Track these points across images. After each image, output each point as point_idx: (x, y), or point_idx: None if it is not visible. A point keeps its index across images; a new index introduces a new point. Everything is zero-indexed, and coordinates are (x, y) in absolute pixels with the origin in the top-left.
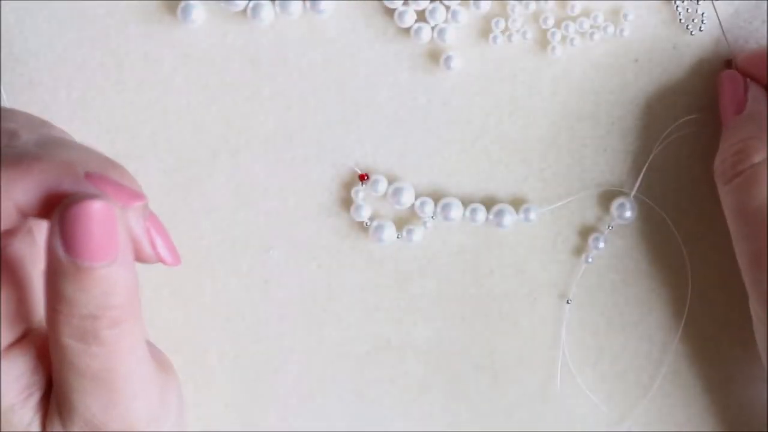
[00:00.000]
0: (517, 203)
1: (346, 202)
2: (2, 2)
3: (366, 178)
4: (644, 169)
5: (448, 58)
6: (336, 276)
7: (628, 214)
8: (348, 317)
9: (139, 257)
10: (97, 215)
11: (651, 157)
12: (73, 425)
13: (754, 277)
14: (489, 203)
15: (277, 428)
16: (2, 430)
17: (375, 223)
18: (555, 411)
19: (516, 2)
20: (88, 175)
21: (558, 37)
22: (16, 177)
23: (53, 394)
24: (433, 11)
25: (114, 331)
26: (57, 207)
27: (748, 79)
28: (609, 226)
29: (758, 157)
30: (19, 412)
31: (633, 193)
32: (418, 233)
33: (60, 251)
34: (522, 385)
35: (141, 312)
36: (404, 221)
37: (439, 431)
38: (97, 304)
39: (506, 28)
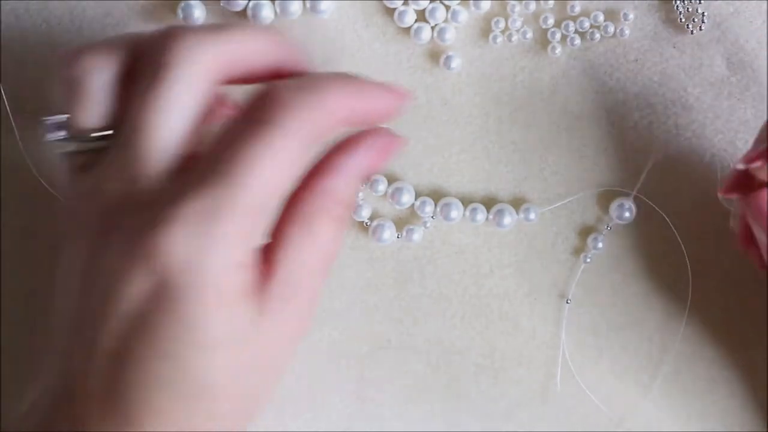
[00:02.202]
0: (517, 203)
1: None
2: (2, 2)
3: None
4: (646, 170)
5: (448, 58)
6: (336, 276)
7: (627, 214)
8: (348, 317)
9: None
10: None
11: (651, 157)
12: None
13: None
14: (489, 203)
15: (277, 428)
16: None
17: (375, 223)
18: (555, 411)
19: (516, 2)
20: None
21: (558, 36)
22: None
23: None
24: (433, 11)
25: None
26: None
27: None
28: (607, 227)
29: None
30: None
31: (633, 193)
32: (418, 233)
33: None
34: (522, 385)
35: None
36: (404, 221)
37: (439, 431)
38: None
39: (506, 28)
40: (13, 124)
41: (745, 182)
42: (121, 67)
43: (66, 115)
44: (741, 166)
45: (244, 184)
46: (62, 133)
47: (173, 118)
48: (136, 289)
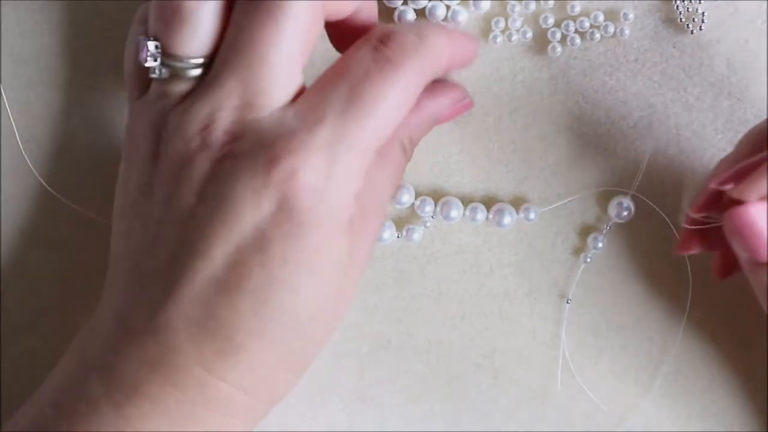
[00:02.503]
0: (517, 203)
1: None
2: (2, 2)
3: None
4: (642, 169)
5: None
6: None
7: (625, 213)
8: (348, 317)
9: None
10: None
11: (649, 156)
12: None
13: None
14: (489, 203)
15: (278, 428)
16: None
17: None
18: (555, 411)
19: (516, 2)
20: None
21: (558, 36)
22: None
23: None
24: (432, 10)
25: None
26: None
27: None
28: (607, 226)
29: None
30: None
31: (631, 191)
32: (418, 233)
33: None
34: (522, 385)
35: None
36: (404, 221)
37: (439, 431)
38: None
39: (506, 28)
40: (13, 124)
41: (717, 200)
42: None
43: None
44: (713, 187)
45: (373, 117)
46: (158, 57)
47: (293, 44)
48: (261, 212)
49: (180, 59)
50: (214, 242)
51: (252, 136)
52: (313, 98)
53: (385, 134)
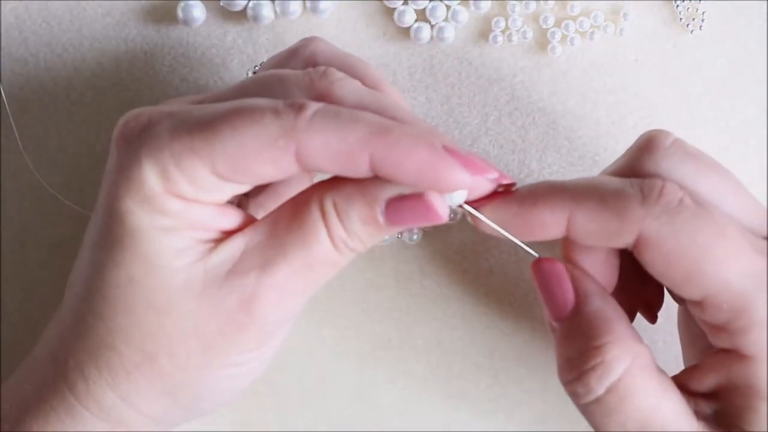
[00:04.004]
0: None
1: None
2: (2, 2)
3: None
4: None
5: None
6: (336, 276)
7: None
8: (348, 317)
9: None
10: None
11: None
12: None
13: None
14: None
15: (277, 428)
16: None
17: None
18: (555, 411)
19: (516, 2)
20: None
21: (558, 36)
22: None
23: None
24: (433, 10)
25: None
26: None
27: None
28: None
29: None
30: None
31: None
32: (418, 233)
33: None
34: (522, 385)
35: None
36: None
37: (439, 431)
38: None
39: (506, 28)
40: (13, 124)
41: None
42: None
43: None
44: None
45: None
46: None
47: None
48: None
49: None
50: None
51: None
52: None
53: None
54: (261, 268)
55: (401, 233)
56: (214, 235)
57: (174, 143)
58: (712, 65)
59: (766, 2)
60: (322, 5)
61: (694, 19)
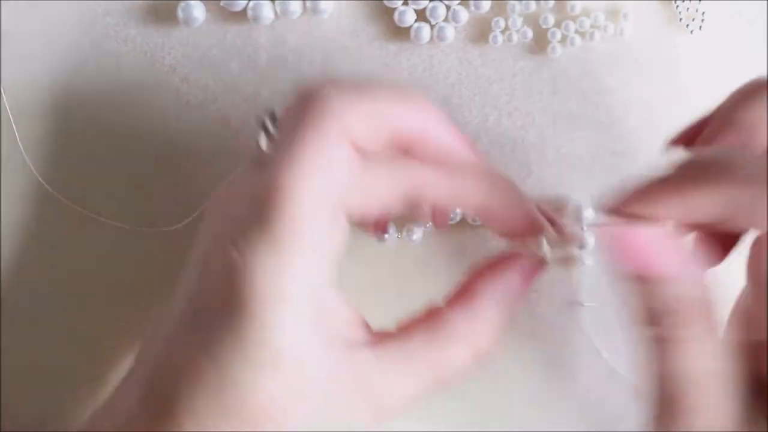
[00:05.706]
0: None
1: None
2: (2, 2)
3: None
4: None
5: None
6: (336, 276)
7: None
8: None
9: None
10: None
11: (648, 156)
12: None
13: None
14: None
15: (277, 428)
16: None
17: None
18: (555, 410)
19: (516, 2)
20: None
21: (558, 36)
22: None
23: None
24: (433, 10)
25: None
26: None
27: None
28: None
29: None
30: None
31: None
32: (418, 233)
33: None
34: (522, 385)
35: None
36: (404, 221)
37: (439, 431)
38: None
39: (506, 28)
40: (13, 124)
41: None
42: None
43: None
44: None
45: None
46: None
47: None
48: None
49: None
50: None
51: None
52: None
53: None
54: None
55: (401, 233)
56: None
57: None
58: (712, 65)
59: (766, 2)
60: (322, 5)
61: (694, 19)
